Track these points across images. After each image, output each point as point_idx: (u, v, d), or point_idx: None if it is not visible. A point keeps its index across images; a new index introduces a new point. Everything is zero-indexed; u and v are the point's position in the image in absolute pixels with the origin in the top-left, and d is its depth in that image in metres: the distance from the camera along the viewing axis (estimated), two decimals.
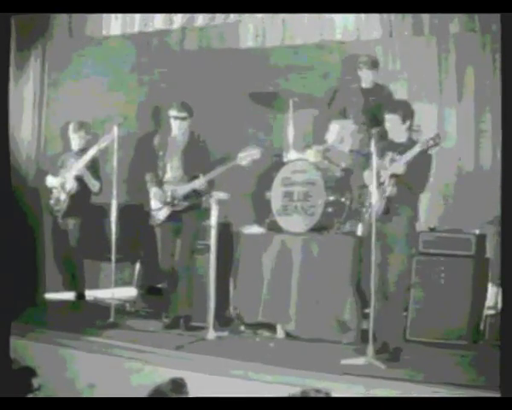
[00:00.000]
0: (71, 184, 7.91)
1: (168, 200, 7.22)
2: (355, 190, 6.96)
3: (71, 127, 8.13)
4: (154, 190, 7.31)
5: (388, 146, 6.23)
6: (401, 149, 6.21)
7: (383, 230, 6.10)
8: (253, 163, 7.21)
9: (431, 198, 7.68)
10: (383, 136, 6.25)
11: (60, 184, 7.97)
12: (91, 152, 7.85)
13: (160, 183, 7.31)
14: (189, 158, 7.23)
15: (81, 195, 7.99)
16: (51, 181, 8.06)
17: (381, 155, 6.17)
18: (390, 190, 6.14)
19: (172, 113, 7.24)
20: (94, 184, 7.97)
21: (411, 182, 6.16)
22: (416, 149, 6.09)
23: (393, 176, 6.14)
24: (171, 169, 7.29)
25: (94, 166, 7.98)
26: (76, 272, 8.11)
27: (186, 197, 7.19)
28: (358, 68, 7.62)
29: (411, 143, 6.32)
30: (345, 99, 7.71)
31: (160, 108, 8.42)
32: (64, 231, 8.03)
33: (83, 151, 8.00)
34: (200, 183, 7.13)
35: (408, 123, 6.33)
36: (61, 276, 8.27)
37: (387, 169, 6.14)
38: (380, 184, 6.11)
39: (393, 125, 6.27)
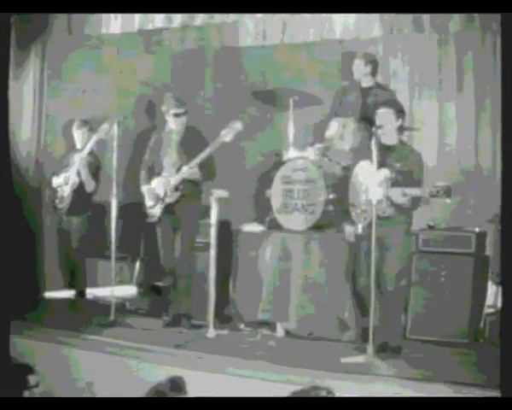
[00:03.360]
0: (73, 179, 7.91)
1: (161, 195, 7.21)
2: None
3: (74, 125, 8.13)
4: (145, 188, 7.31)
5: (384, 151, 6.18)
6: (393, 153, 6.20)
7: (381, 231, 6.08)
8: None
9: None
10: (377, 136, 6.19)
11: (64, 180, 7.97)
12: (90, 144, 7.84)
13: (151, 180, 7.30)
14: (186, 150, 7.21)
15: (84, 190, 7.98)
16: (56, 181, 8.05)
17: (379, 164, 6.14)
18: (388, 211, 6.14)
19: (173, 110, 7.20)
20: (89, 184, 7.95)
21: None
22: (423, 193, 6.01)
23: (389, 198, 6.13)
24: (168, 163, 7.27)
25: (94, 166, 7.97)
26: (77, 270, 8.11)
27: (177, 188, 7.17)
28: (354, 65, 7.59)
29: (402, 145, 6.32)
30: (345, 97, 7.71)
31: (155, 103, 8.39)
32: (67, 231, 8.02)
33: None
34: (186, 170, 7.08)
35: (400, 122, 6.31)
36: (62, 274, 8.25)
37: (384, 189, 6.10)
38: (377, 202, 6.10)
39: (387, 120, 6.23)
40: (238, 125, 6.96)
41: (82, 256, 8.09)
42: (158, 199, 7.22)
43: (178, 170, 7.15)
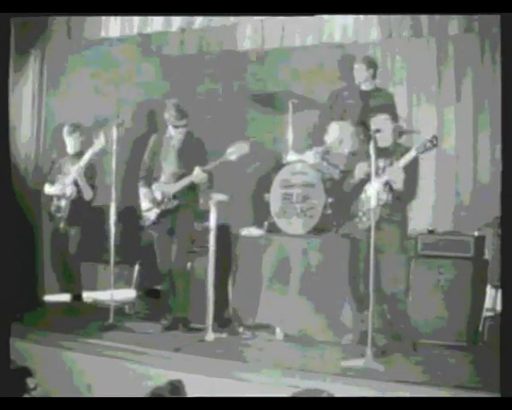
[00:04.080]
0: (70, 190, 7.85)
1: (158, 199, 7.21)
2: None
3: (65, 130, 8.06)
4: (143, 191, 7.31)
5: (380, 153, 6.21)
6: (388, 153, 6.23)
7: (379, 234, 6.09)
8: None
9: (430, 200, 7.71)
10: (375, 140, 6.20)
11: (60, 191, 7.90)
12: (87, 156, 7.79)
13: (149, 183, 7.30)
14: (184, 156, 7.21)
15: (82, 199, 7.93)
16: (49, 189, 7.99)
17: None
18: (386, 197, 6.16)
19: (173, 122, 7.19)
20: (88, 193, 7.89)
21: (402, 191, 6.18)
22: (413, 153, 6.09)
23: (387, 183, 6.16)
24: (167, 168, 7.28)
25: (90, 173, 7.93)
26: (73, 274, 8.06)
27: (175, 196, 7.17)
28: (354, 69, 7.61)
29: (396, 146, 6.34)
30: (344, 101, 7.71)
31: (156, 110, 8.39)
32: (63, 235, 7.98)
33: (79, 154, 7.95)
34: (197, 174, 7.07)
35: (394, 124, 6.36)
36: (57, 278, 8.19)
37: (381, 177, 6.15)
38: (375, 193, 6.12)
39: (384, 124, 6.26)
40: (245, 147, 6.96)
41: (78, 260, 8.05)
42: (154, 203, 7.22)
43: (179, 178, 7.16)
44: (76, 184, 7.83)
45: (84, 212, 7.94)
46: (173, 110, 7.18)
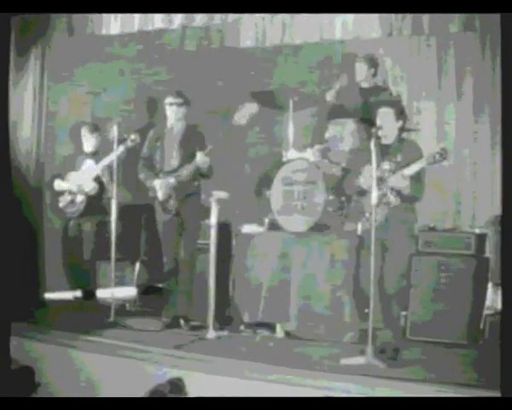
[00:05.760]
0: (90, 186, 7.85)
1: (175, 185, 7.19)
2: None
3: (84, 129, 8.06)
4: (157, 183, 7.28)
5: (383, 150, 6.21)
6: (391, 150, 6.23)
7: (382, 231, 6.10)
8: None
9: (431, 197, 7.70)
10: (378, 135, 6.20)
11: (76, 187, 7.90)
12: (116, 153, 7.73)
13: (157, 174, 7.30)
14: (186, 148, 7.21)
15: (98, 196, 7.94)
16: (61, 185, 7.99)
17: (378, 164, 6.16)
18: (394, 201, 6.16)
19: (168, 100, 7.24)
20: (111, 188, 7.90)
21: (410, 194, 6.18)
22: (421, 164, 6.07)
23: (394, 188, 6.15)
24: (169, 160, 7.27)
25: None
26: (88, 274, 8.00)
27: (194, 179, 7.17)
28: (356, 67, 7.61)
29: (400, 142, 6.34)
30: (345, 98, 7.71)
31: (156, 100, 8.38)
32: (76, 236, 7.95)
33: (96, 153, 7.98)
34: (200, 158, 7.06)
35: (400, 123, 6.34)
36: (68, 278, 8.14)
37: (387, 180, 6.15)
38: (382, 196, 6.13)
39: (386, 120, 6.26)
40: (253, 107, 6.91)
41: (94, 259, 8.02)
42: (172, 190, 7.19)
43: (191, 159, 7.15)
44: (96, 180, 7.85)
45: (99, 207, 7.94)
46: (173, 93, 7.23)
